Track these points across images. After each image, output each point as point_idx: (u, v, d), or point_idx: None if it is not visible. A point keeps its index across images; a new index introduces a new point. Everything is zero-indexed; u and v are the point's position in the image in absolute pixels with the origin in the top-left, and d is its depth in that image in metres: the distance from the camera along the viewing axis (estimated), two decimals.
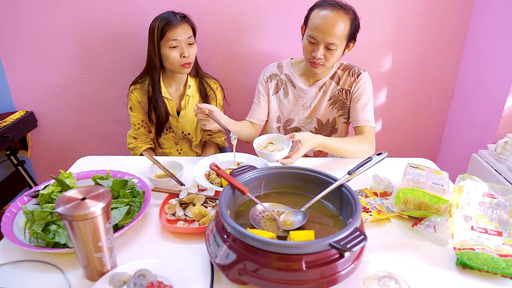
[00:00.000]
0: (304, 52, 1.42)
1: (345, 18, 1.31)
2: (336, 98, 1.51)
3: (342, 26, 1.31)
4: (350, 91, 1.48)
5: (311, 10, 1.38)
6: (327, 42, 1.32)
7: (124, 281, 0.76)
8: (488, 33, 1.78)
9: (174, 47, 1.55)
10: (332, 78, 1.50)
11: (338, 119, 1.55)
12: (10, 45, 1.88)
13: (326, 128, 1.57)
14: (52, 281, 0.79)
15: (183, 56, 1.55)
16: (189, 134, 1.78)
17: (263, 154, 1.20)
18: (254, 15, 1.85)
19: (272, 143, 1.27)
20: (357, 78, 1.47)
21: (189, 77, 1.71)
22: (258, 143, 1.26)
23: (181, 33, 1.54)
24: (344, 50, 1.40)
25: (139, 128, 1.73)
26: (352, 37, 1.38)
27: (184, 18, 1.58)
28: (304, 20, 1.42)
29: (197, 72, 1.72)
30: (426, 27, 1.89)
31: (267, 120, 1.64)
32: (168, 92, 1.69)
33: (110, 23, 1.84)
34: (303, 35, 1.43)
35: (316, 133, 1.55)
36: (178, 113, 1.73)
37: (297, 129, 1.59)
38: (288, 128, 1.60)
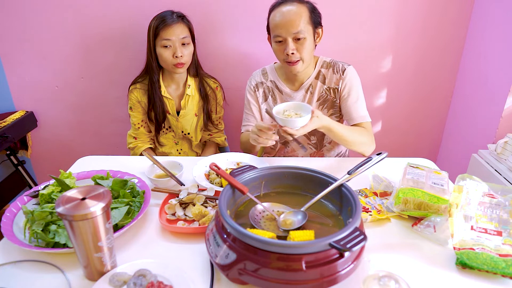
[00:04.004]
0: (277, 56, 1.40)
1: (301, 7, 1.32)
2: (325, 98, 1.48)
3: (302, 14, 1.31)
4: (338, 89, 1.45)
5: (268, 16, 1.38)
6: (293, 33, 1.31)
7: (124, 281, 0.76)
8: (488, 33, 1.78)
9: (167, 46, 1.55)
10: (317, 78, 1.47)
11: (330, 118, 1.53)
12: (10, 45, 1.88)
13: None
14: (52, 281, 0.79)
15: (176, 56, 1.55)
16: (188, 133, 1.78)
17: (283, 121, 1.14)
18: (254, 15, 1.84)
19: (288, 111, 1.22)
20: (343, 74, 1.44)
21: (189, 76, 1.71)
22: (277, 110, 1.21)
23: (174, 33, 1.54)
24: (315, 38, 1.38)
25: (139, 128, 1.73)
26: (316, 22, 1.36)
27: (181, 18, 1.58)
28: (267, 30, 1.42)
29: (197, 72, 1.73)
30: (426, 27, 1.89)
31: None
32: (168, 91, 1.69)
33: (110, 23, 1.84)
34: (271, 44, 1.42)
35: (310, 135, 1.54)
36: (178, 113, 1.73)
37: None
38: (282, 134, 1.57)
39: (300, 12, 1.31)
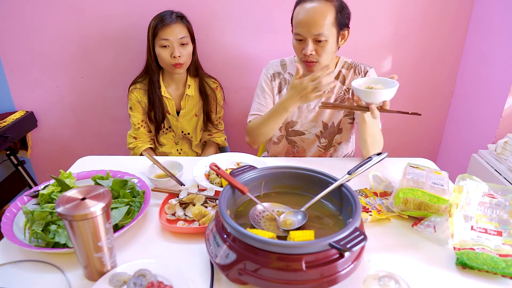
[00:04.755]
0: (296, 54, 1.36)
1: (328, 6, 1.24)
2: (342, 98, 1.45)
3: (326, 15, 1.23)
4: None
5: (293, 10, 1.33)
6: (313, 34, 1.24)
7: (124, 281, 0.76)
8: (488, 33, 1.78)
9: (165, 46, 1.55)
10: (336, 78, 1.44)
11: (344, 120, 1.48)
12: (10, 45, 1.88)
13: (332, 131, 1.51)
14: (52, 281, 0.79)
15: (173, 56, 1.55)
16: (188, 133, 1.78)
17: (368, 93, 1.09)
18: (254, 15, 1.85)
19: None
20: (365, 76, 1.41)
21: (189, 76, 1.71)
22: (358, 83, 1.16)
23: (172, 33, 1.53)
24: (338, 40, 1.31)
25: (139, 128, 1.73)
26: (342, 24, 1.29)
27: (180, 18, 1.57)
28: (291, 23, 1.37)
29: (197, 72, 1.72)
30: (426, 27, 1.89)
31: None
32: (168, 91, 1.69)
33: (110, 23, 1.84)
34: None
35: (321, 136, 1.51)
36: (178, 113, 1.73)
37: (300, 133, 1.53)
38: (290, 129, 1.53)
39: (325, 12, 1.23)
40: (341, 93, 1.45)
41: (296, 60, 1.50)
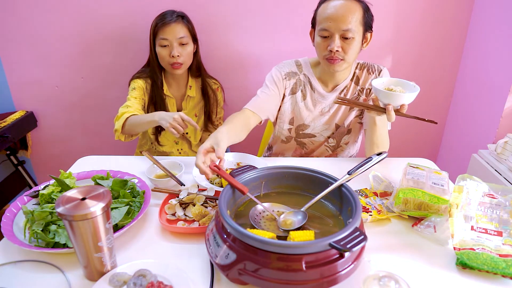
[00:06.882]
0: (318, 51, 1.31)
1: (356, 4, 1.24)
2: (356, 99, 1.42)
3: (355, 12, 1.22)
4: (371, 90, 1.39)
5: (317, 8, 1.31)
6: (342, 30, 1.22)
7: (124, 281, 0.76)
8: (488, 33, 1.78)
9: (164, 45, 1.55)
10: (352, 79, 1.42)
11: (354, 120, 1.47)
12: (10, 45, 1.88)
13: (341, 131, 1.49)
14: (52, 281, 0.79)
15: (172, 56, 1.55)
16: (187, 133, 1.78)
17: (389, 95, 1.08)
18: (255, 15, 1.85)
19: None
20: (379, 74, 1.40)
21: (190, 77, 1.71)
22: (378, 83, 1.14)
23: (171, 32, 1.53)
24: (362, 42, 1.30)
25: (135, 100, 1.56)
26: (368, 25, 1.28)
27: (181, 17, 1.57)
28: (312, 23, 1.35)
29: (200, 73, 1.72)
30: (426, 27, 1.89)
31: (275, 121, 1.53)
32: (170, 91, 1.69)
33: (110, 23, 1.84)
34: (313, 39, 1.35)
35: (330, 136, 1.50)
36: None
37: (311, 135, 1.50)
38: (301, 132, 1.49)
39: (353, 9, 1.23)
40: (355, 93, 1.43)
41: (310, 61, 1.46)
